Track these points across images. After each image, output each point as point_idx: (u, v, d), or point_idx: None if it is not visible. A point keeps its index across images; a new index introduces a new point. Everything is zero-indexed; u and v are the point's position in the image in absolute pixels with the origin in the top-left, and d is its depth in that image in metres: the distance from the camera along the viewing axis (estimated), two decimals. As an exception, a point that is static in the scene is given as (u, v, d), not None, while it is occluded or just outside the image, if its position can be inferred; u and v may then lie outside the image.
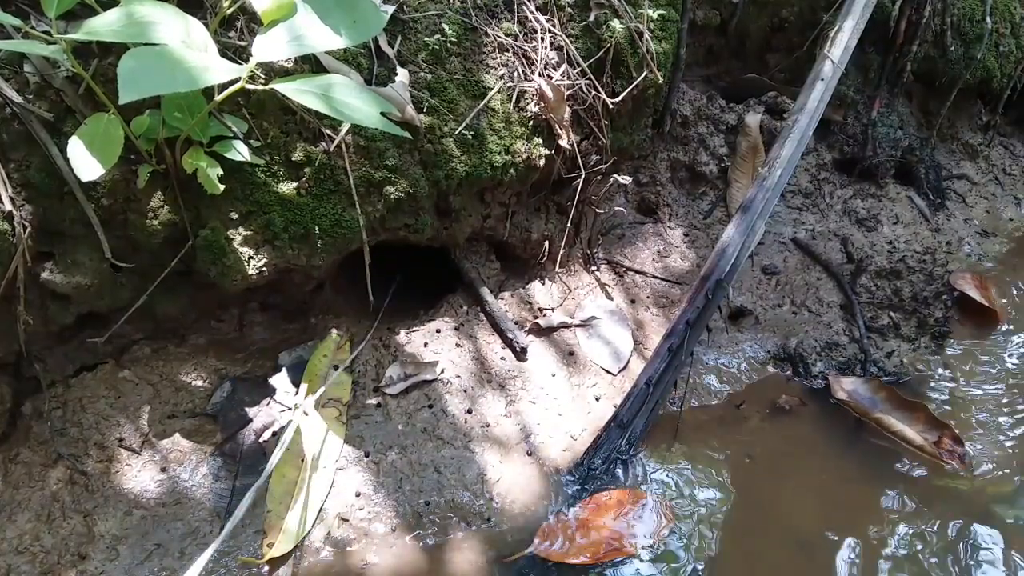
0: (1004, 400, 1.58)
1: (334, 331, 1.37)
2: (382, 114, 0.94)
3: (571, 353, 1.51)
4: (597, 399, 1.45)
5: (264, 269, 1.18)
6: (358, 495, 1.19)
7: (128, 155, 1.05)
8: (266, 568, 1.08)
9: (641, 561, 1.18)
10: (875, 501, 1.31)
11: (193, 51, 0.86)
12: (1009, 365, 1.69)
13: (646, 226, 1.85)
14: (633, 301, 1.68)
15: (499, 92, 1.36)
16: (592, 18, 1.48)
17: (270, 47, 0.92)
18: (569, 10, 1.48)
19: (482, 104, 1.34)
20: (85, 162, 0.92)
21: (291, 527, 1.12)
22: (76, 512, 1.09)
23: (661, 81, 1.59)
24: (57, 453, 1.13)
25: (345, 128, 1.20)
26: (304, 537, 1.12)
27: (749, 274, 1.81)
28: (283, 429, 1.23)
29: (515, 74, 1.39)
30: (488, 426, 1.33)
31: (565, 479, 1.29)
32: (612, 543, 1.19)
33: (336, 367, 1.32)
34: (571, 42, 1.46)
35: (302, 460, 1.19)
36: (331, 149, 1.19)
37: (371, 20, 0.95)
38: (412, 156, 1.29)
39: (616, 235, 1.80)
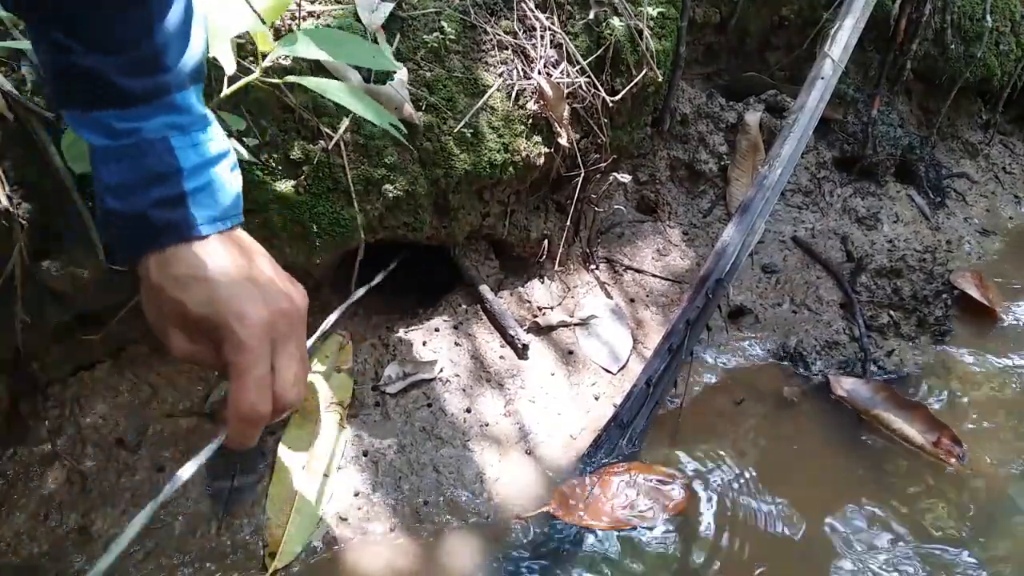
0: (1004, 398, 1.58)
1: (337, 332, 1.37)
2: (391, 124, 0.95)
3: (570, 352, 1.51)
4: (596, 398, 1.44)
5: (262, 268, 1.18)
6: (356, 494, 1.19)
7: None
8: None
9: (654, 531, 1.20)
10: (876, 500, 1.31)
11: None
12: (1009, 363, 1.69)
13: (645, 225, 1.84)
14: (632, 300, 1.68)
15: (498, 90, 1.36)
16: (591, 16, 1.48)
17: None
18: (568, 8, 1.47)
19: (481, 102, 1.33)
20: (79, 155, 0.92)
21: (293, 537, 1.11)
22: (73, 511, 1.09)
23: (661, 79, 1.59)
24: (54, 452, 1.13)
25: (343, 126, 1.19)
26: (306, 546, 1.12)
27: (749, 273, 1.81)
28: (282, 429, 1.22)
29: (514, 72, 1.39)
30: (487, 425, 1.33)
31: (565, 479, 1.29)
32: (628, 511, 1.22)
33: (338, 370, 1.32)
34: (570, 40, 1.45)
35: (302, 467, 1.18)
36: (329, 147, 1.19)
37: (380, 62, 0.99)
38: (411, 154, 1.28)
39: (615, 234, 1.80)
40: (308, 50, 0.93)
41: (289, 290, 0.75)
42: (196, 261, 0.69)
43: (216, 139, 0.76)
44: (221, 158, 0.76)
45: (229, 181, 0.75)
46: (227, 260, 0.70)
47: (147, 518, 0.78)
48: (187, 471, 0.81)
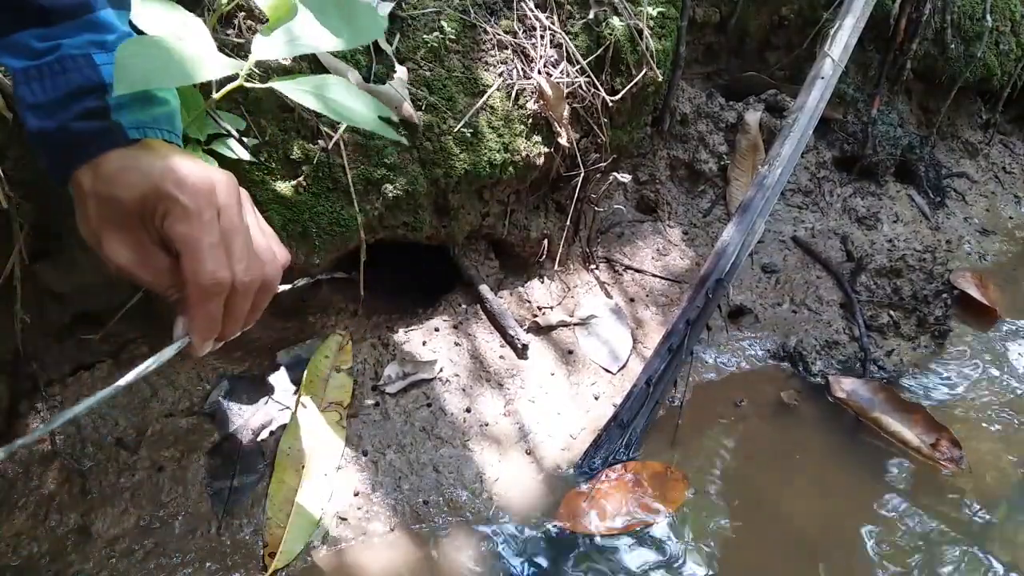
0: (1003, 398, 1.58)
1: (337, 332, 1.37)
2: (380, 118, 0.93)
3: (570, 352, 1.51)
4: (596, 398, 1.44)
5: (262, 267, 1.17)
6: (356, 494, 1.19)
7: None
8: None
9: (653, 530, 1.21)
10: (874, 501, 1.31)
11: (190, 45, 0.85)
12: (1009, 363, 1.69)
13: (645, 224, 1.84)
14: (632, 299, 1.68)
15: (498, 90, 1.36)
16: (591, 15, 1.48)
17: (268, 46, 0.91)
18: (568, 7, 1.47)
19: (481, 102, 1.33)
20: None
21: (293, 537, 1.11)
22: (73, 512, 1.09)
23: (660, 79, 1.59)
24: (54, 452, 1.13)
25: (343, 126, 1.19)
26: (306, 546, 1.12)
27: (749, 272, 1.81)
28: (281, 429, 1.22)
29: (514, 72, 1.39)
30: (487, 425, 1.33)
31: (564, 478, 1.29)
32: (628, 511, 1.23)
33: (338, 369, 1.32)
34: (570, 40, 1.45)
35: (302, 466, 1.18)
36: (329, 147, 1.19)
37: (370, 27, 0.94)
38: (411, 154, 1.28)
39: (615, 233, 1.80)
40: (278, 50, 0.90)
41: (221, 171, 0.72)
42: (127, 158, 0.67)
43: None
44: None
45: (159, 97, 0.74)
46: (158, 152, 0.68)
47: (111, 394, 0.67)
48: (143, 368, 0.69)
